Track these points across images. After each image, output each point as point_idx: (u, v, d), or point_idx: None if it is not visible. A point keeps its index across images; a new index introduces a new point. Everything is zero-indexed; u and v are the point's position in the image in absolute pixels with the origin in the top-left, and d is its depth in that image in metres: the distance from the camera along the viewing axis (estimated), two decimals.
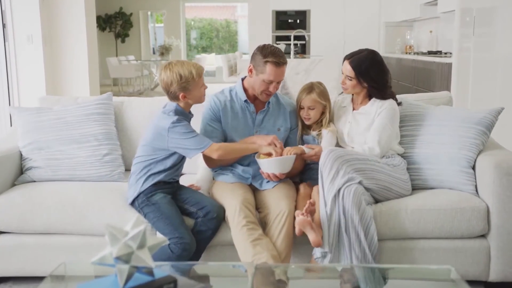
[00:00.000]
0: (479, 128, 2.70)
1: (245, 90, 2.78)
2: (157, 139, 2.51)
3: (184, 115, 2.54)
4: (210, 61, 16.95)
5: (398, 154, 2.78)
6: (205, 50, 20.09)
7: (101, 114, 2.97)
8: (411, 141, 2.83)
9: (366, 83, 2.72)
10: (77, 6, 6.15)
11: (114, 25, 14.73)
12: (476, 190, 2.62)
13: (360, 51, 2.76)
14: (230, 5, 20.12)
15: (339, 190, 2.43)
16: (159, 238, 1.50)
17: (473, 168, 2.66)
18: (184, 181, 2.96)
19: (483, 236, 2.56)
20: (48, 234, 2.64)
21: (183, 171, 3.11)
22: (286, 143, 2.84)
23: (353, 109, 2.84)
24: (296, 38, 9.66)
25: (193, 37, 20.25)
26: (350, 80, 2.73)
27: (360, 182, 2.48)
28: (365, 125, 2.74)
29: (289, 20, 11.07)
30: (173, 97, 2.53)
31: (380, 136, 2.66)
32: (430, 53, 7.85)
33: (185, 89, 2.49)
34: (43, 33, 5.96)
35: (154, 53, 15.51)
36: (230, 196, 2.54)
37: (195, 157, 3.07)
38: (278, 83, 2.69)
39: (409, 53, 8.95)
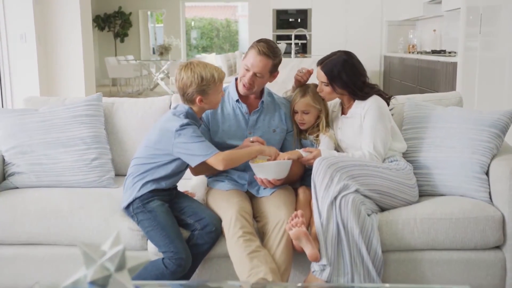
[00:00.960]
0: (493, 130, 2.52)
1: (237, 89, 2.61)
2: (162, 141, 2.33)
3: (195, 119, 2.37)
4: (210, 61, 16.77)
5: (402, 155, 2.61)
6: (205, 50, 19.92)
7: (90, 116, 2.79)
8: (419, 144, 2.66)
9: (340, 88, 2.55)
10: (72, 4, 5.97)
11: (113, 24, 14.55)
12: (490, 198, 2.45)
13: (333, 54, 2.61)
14: (231, 5, 19.96)
15: (335, 199, 2.26)
16: (141, 258, 1.32)
17: (487, 173, 2.49)
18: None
19: (498, 247, 2.38)
20: (30, 245, 2.45)
21: None
22: (283, 147, 2.68)
23: (342, 114, 2.68)
24: (297, 37, 9.50)
25: (193, 36, 20.07)
26: (326, 85, 2.57)
27: (357, 190, 2.31)
28: (354, 129, 2.58)
29: (290, 19, 10.91)
30: (189, 99, 2.36)
31: (374, 141, 2.48)
32: (434, 52, 7.68)
33: (204, 92, 2.33)
34: (37, 32, 5.79)
35: (154, 53, 15.34)
36: (225, 205, 2.37)
37: None
38: (255, 76, 2.50)
39: (412, 53, 8.78)
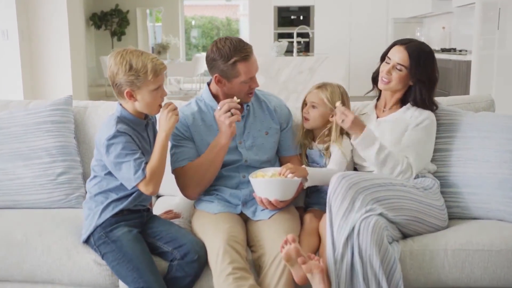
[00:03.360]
0: None
1: (214, 96, 2.20)
2: (100, 155, 1.96)
3: (132, 123, 1.95)
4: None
5: (430, 173, 2.19)
6: (205, 49, 19.54)
7: (57, 123, 2.37)
8: (446, 158, 2.24)
9: (418, 78, 2.15)
10: None
11: (110, 22, 14.14)
12: None
13: (412, 40, 2.22)
14: (233, 4, 19.59)
15: (354, 227, 1.84)
16: None
17: None
18: (160, 205, 2.39)
19: None
20: None
21: (160, 191, 2.53)
22: (280, 148, 2.27)
23: (377, 117, 2.26)
24: (299, 35, 9.09)
25: (193, 35, 19.68)
26: (400, 70, 2.15)
27: (381, 214, 1.89)
28: (394, 136, 2.15)
29: (292, 17, 10.51)
30: (119, 92, 1.95)
31: (417, 152, 2.09)
32: (443, 50, 7.29)
33: (133, 84, 1.90)
34: (20, 28, 5.35)
35: (153, 52, 14.94)
36: (212, 233, 1.95)
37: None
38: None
39: None
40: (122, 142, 1.88)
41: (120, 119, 1.93)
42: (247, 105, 2.20)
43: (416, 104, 2.18)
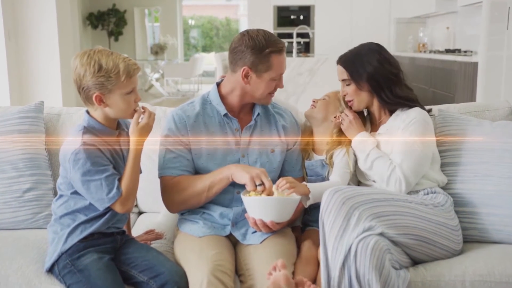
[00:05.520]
0: None
1: (222, 98, 1.95)
2: (65, 171, 1.73)
3: (102, 134, 1.72)
4: (209, 61, 16.15)
5: (440, 187, 1.94)
6: (204, 49, 19.32)
7: (25, 132, 2.12)
8: (459, 173, 2.00)
9: (365, 84, 1.97)
10: None
11: (107, 22, 13.92)
12: None
13: (349, 51, 2.06)
14: (232, 4, 19.42)
15: (350, 248, 1.60)
16: None
17: None
18: (141, 224, 2.15)
19: None
20: None
21: (142, 207, 2.31)
22: (282, 170, 2.03)
23: (371, 132, 2.04)
24: (299, 35, 8.86)
25: (192, 35, 19.47)
26: (348, 85, 2.00)
27: (382, 234, 1.65)
28: (388, 149, 1.93)
29: (292, 16, 10.29)
30: (87, 98, 1.72)
31: (407, 157, 1.86)
32: (448, 51, 7.06)
33: (103, 87, 1.67)
34: (5, 25, 5.08)
35: (151, 52, 14.73)
36: (196, 261, 1.70)
37: (158, 189, 2.20)
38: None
39: (424, 52, 8.16)
40: (90, 157, 1.64)
41: (87, 129, 1.69)
42: (258, 114, 1.98)
43: (391, 106, 2.00)
